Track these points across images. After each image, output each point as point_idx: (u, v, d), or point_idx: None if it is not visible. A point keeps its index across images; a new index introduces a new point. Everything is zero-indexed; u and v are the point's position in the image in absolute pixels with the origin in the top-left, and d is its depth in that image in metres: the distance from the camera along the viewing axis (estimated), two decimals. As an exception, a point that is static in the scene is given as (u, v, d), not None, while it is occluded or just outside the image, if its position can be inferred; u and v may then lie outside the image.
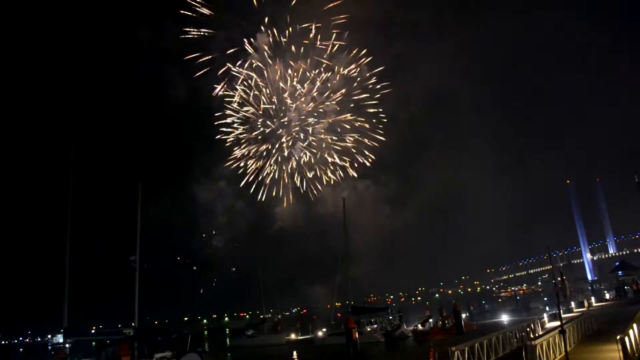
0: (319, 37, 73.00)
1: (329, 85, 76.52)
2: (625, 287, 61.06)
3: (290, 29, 72.61)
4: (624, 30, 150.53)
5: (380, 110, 77.56)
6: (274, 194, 79.26)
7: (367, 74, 76.35)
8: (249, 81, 75.50)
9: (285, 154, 78.44)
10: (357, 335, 41.25)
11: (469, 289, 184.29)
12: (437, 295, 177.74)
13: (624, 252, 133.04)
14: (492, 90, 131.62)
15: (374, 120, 77.43)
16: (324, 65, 74.91)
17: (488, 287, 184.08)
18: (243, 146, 78.00)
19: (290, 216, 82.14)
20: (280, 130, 78.08)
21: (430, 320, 57.89)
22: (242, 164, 78.22)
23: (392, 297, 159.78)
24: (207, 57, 73.65)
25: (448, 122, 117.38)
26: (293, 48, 73.48)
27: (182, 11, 72.17)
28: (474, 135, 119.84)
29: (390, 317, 60.13)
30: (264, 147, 78.35)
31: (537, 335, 28.46)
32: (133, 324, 36.50)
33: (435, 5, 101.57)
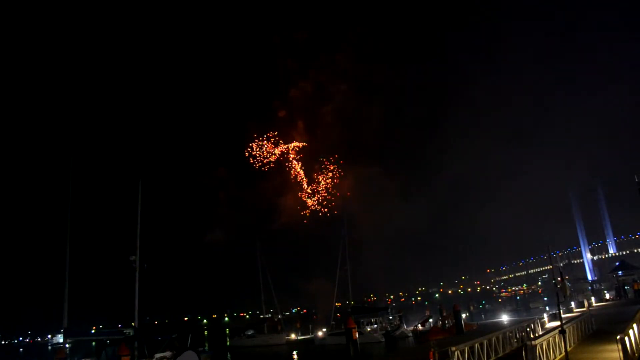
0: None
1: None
2: (626, 287, 61.02)
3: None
4: (626, 31, 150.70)
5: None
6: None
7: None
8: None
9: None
10: (357, 335, 41.26)
11: (469, 289, 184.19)
12: (437, 295, 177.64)
13: (624, 252, 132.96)
14: (492, 90, 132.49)
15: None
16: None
17: (488, 287, 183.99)
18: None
19: (293, 213, 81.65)
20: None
21: (430, 320, 57.90)
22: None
23: (392, 297, 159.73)
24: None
25: (451, 123, 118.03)
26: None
27: None
28: (477, 137, 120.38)
29: (390, 317, 60.15)
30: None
31: (537, 335, 28.45)
32: (133, 324, 36.49)
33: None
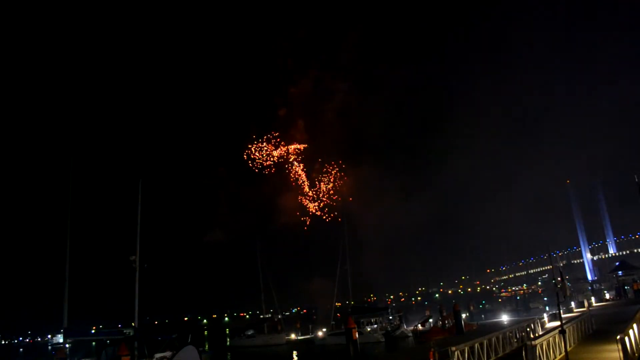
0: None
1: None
2: (625, 287, 61.06)
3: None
4: (626, 34, 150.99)
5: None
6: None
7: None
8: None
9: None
10: (357, 335, 41.27)
11: (469, 289, 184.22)
12: (437, 295, 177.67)
13: (624, 252, 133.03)
14: (492, 89, 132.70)
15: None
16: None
17: (488, 287, 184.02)
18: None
19: (293, 214, 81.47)
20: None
21: (430, 320, 57.93)
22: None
23: (392, 297, 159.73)
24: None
25: (451, 123, 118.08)
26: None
27: None
28: (477, 137, 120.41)
29: (390, 317, 60.17)
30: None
31: (537, 335, 28.46)
32: (133, 324, 36.48)
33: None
